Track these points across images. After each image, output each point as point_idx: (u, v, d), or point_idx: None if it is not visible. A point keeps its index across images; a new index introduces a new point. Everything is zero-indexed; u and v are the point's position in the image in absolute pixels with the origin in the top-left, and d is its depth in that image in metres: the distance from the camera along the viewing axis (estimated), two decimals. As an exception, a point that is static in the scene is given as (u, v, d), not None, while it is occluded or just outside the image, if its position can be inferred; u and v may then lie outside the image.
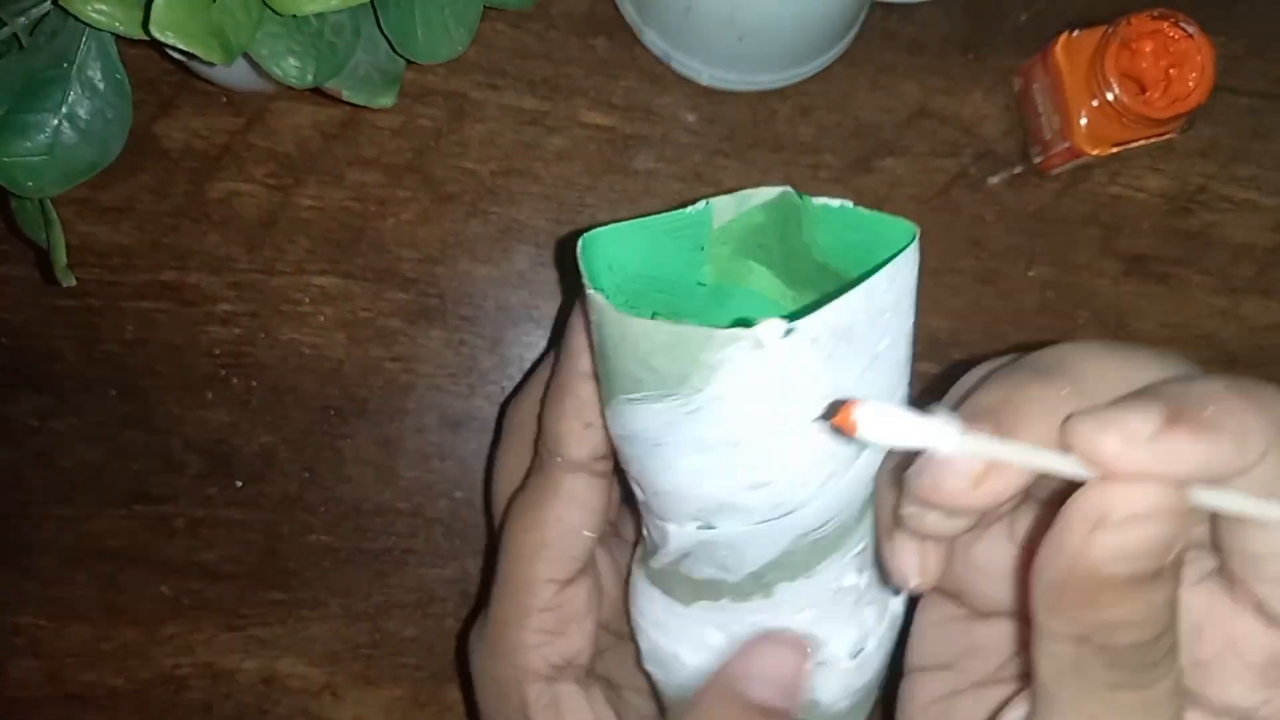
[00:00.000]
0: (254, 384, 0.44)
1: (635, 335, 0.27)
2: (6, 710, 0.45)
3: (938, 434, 0.22)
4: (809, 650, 0.31)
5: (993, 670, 0.30)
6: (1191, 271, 0.46)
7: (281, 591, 0.45)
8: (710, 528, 0.29)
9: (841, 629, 0.31)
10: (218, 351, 0.44)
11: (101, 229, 0.44)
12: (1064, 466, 0.22)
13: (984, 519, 0.25)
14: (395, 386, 0.45)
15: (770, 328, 0.26)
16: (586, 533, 0.33)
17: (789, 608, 0.31)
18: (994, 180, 0.46)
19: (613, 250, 0.30)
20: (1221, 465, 0.21)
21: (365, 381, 0.44)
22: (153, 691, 0.45)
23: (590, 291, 0.27)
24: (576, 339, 0.32)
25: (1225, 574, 0.25)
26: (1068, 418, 0.22)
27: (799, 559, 0.30)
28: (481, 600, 0.44)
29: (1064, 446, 0.22)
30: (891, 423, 0.22)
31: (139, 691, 0.45)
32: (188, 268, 0.44)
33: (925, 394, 0.40)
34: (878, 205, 0.46)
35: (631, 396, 0.27)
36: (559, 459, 0.33)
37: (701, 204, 0.31)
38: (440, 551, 0.45)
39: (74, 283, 0.38)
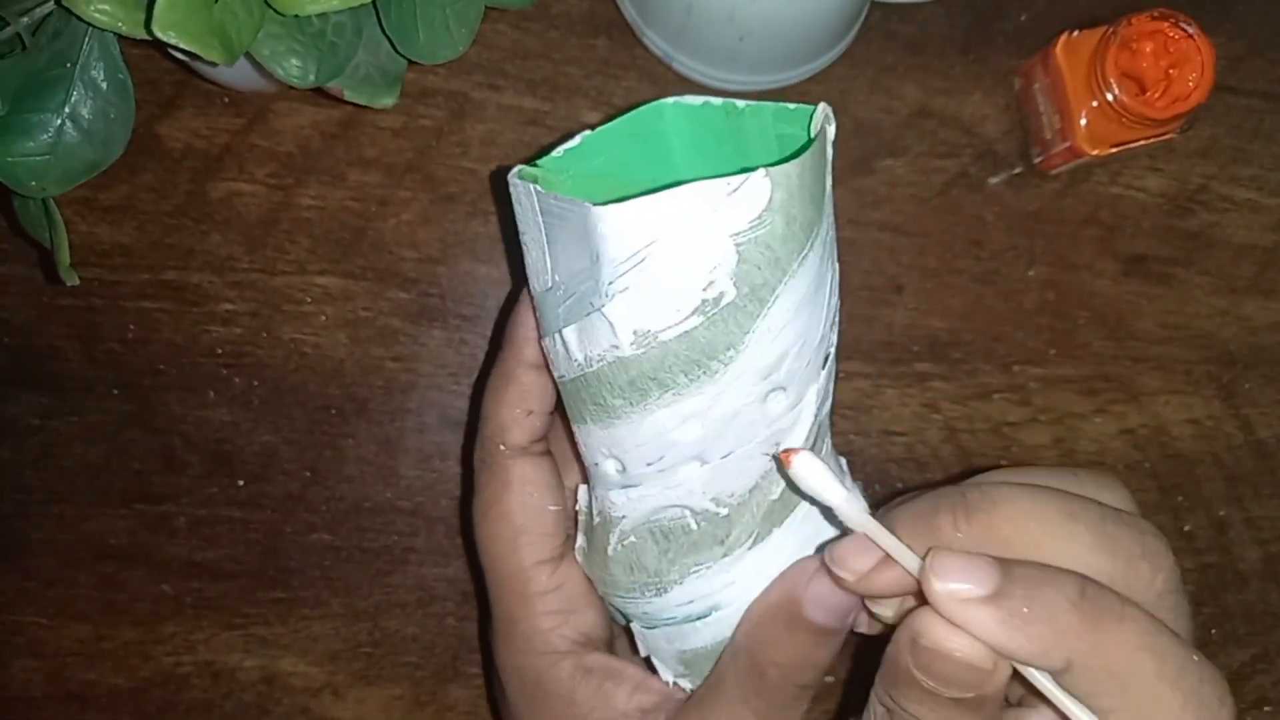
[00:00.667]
0: (255, 383, 0.44)
1: (797, 182, 0.27)
2: (7, 710, 0.45)
3: (843, 501, 0.27)
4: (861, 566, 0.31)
5: None
6: (1192, 272, 0.46)
7: (282, 590, 0.45)
8: (781, 389, 0.30)
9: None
10: (219, 351, 0.44)
11: (103, 228, 0.44)
12: (914, 576, 0.26)
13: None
14: (396, 386, 0.45)
15: (828, 115, 0.30)
16: (551, 507, 0.34)
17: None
18: (994, 180, 0.46)
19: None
20: (1016, 655, 0.24)
21: (366, 381, 0.44)
22: (153, 691, 0.45)
23: (752, 175, 0.27)
24: (521, 330, 0.33)
25: None
26: (930, 551, 0.25)
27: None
28: (481, 605, 0.45)
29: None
30: (818, 475, 0.27)
31: (140, 691, 0.45)
32: (189, 267, 0.44)
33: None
34: (877, 205, 0.46)
35: (794, 270, 0.28)
36: (502, 447, 0.34)
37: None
38: (441, 550, 0.45)
39: (76, 282, 0.38)
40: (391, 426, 0.45)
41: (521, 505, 0.34)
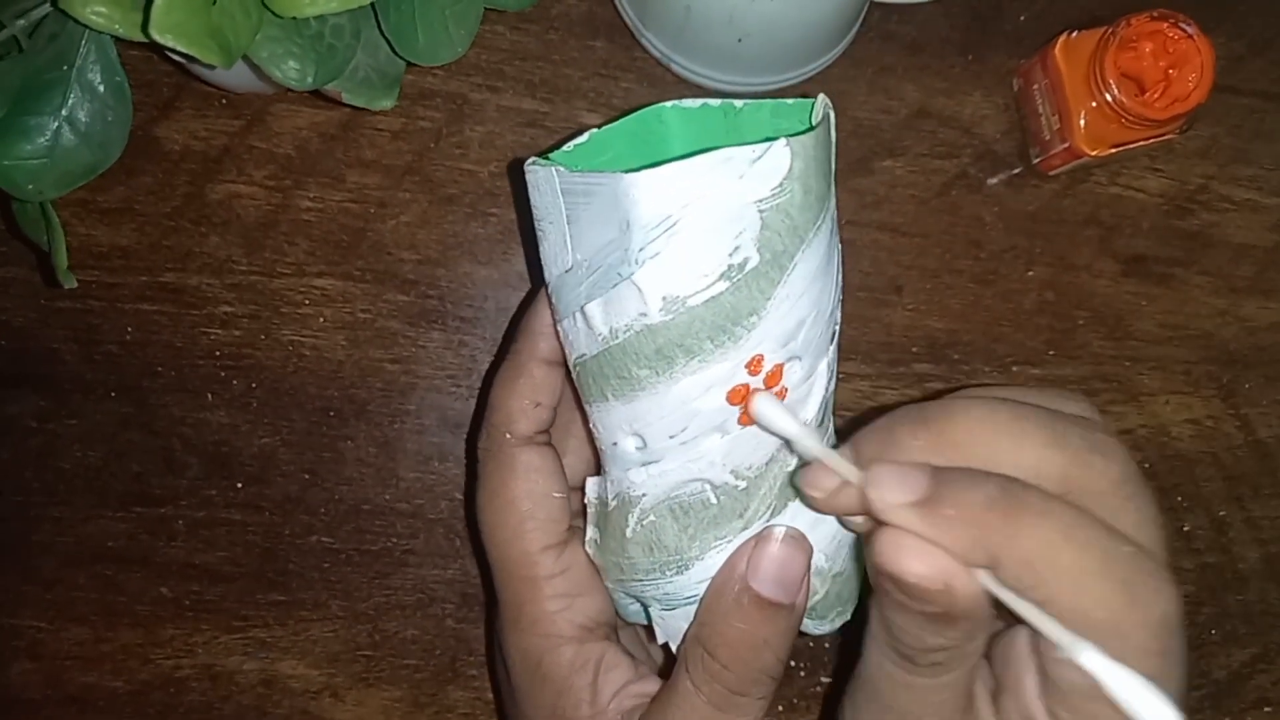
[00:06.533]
0: (254, 386, 0.44)
1: (813, 154, 0.29)
2: (6, 712, 0.45)
3: (799, 432, 0.29)
4: (808, 543, 0.32)
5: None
6: (1191, 272, 0.46)
7: (281, 593, 0.45)
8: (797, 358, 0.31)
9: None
10: (218, 353, 0.44)
11: (101, 231, 0.44)
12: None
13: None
14: (395, 388, 0.45)
15: (824, 103, 0.31)
16: (555, 494, 0.34)
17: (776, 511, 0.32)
18: (993, 181, 0.46)
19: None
20: (950, 552, 0.25)
21: (365, 383, 0.44)
22: (152, 693, 0.45)
23: (775, 144, 0.28)
24: (536, 324, 0.34)
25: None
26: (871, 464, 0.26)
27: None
28: (488, 601, 0.45)
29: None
30: (775, 411, 0.29)
31: (139, 693, 0.45)
32: (188, 269, 0.44)
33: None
34: (876, 206, 0.46)
35: (810, 239, 0.29)
36: (508, 436, 0.35)
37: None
38: (440, 552, 0.45)
39: (75, 284, 0.38)
40: (390, 428, 0.45)
41: (527, 492, 0.34)
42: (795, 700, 0.46)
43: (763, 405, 0.29)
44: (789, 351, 0.30)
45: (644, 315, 0.29)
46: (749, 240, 0.28)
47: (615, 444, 0.32)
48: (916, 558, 0.25)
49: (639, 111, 0.34)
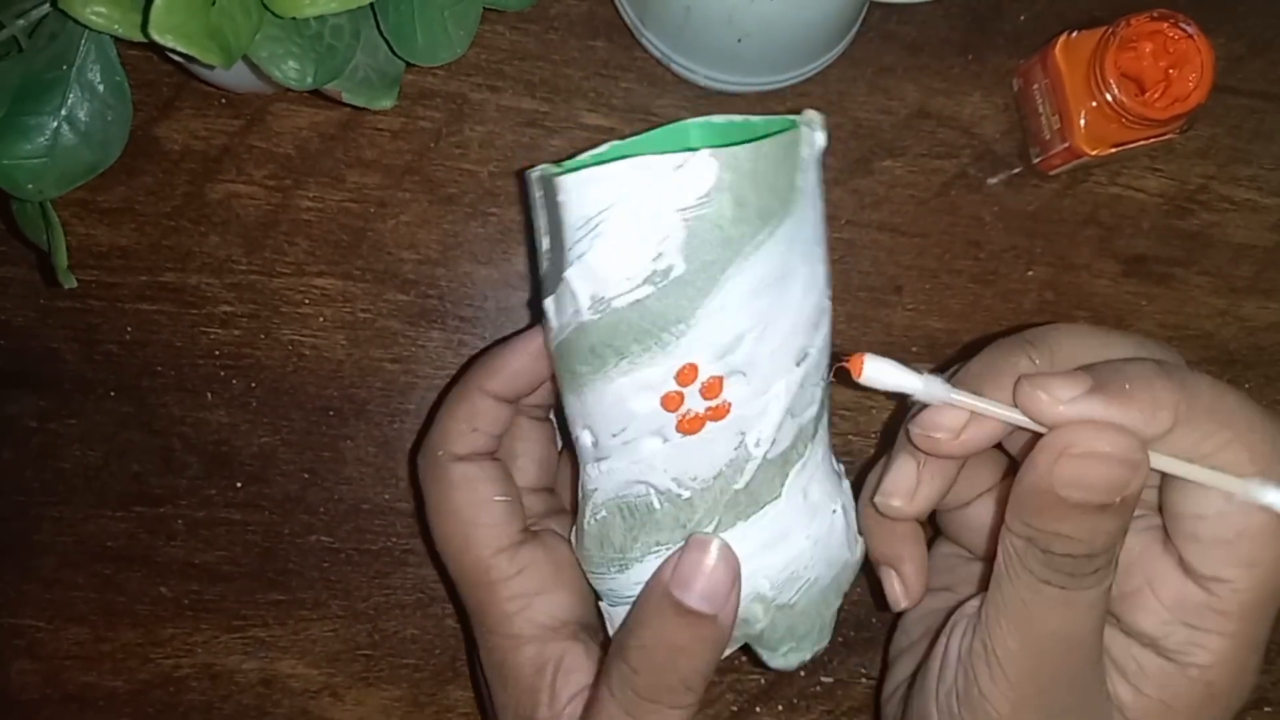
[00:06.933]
0: (254, 385, 0.44)
1: (749, 168, 0.29)
2: (6, 712, 0.45)
3: (924, 384, 0.29)
4: (736, 558, 0.31)
5: (973, 593, 0.35)
6: (1191, 272, 0.46)
7: (281, 592, 0.45)
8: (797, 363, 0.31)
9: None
10: (217, 353, 0.44)
11: (101, 230, 0.44)
12: (1022, 419, 0.29)
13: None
14: (395, 387, 0.45)
15: (811, 119, 0.31)
16: (498, 499, 0.35)
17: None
18: (993, 181, 0.46)
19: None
20: (1133, 428, 0.27)
21: (365, 382, 0.44)
22: (152, 693, 0.45)
23: (698, 153, 0.28)
24: (494, 359, 0.35)
25: (1162, 529, 0.31)
26: (1019, 380, 0.28)
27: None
28: (460, 613, 0.45)
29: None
30: (887, 370, 0.29)
31: (138, 693, 0.45)
32: (187, 269, 0.44)
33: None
34: (876, 206, 0.46)
35: (749, 254, 0.29)
36: (443, 453, 0.35)
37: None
38: (440, 552, 0.45)
39: (75, 284, 0.38)
40: (390, 428, 0.45)
41: (468, 501, 0.35)
42: (795, 700, 0.46)
43: (873, 366, 0.29)
44: (728, 365, 0.30)
45: (578, 313, 0.30)
46: (673, 248, 0.28)
47: (576, 437, 0.33)
48: (1100, 437, 0.27)
49: (664, 127, 0.34)
